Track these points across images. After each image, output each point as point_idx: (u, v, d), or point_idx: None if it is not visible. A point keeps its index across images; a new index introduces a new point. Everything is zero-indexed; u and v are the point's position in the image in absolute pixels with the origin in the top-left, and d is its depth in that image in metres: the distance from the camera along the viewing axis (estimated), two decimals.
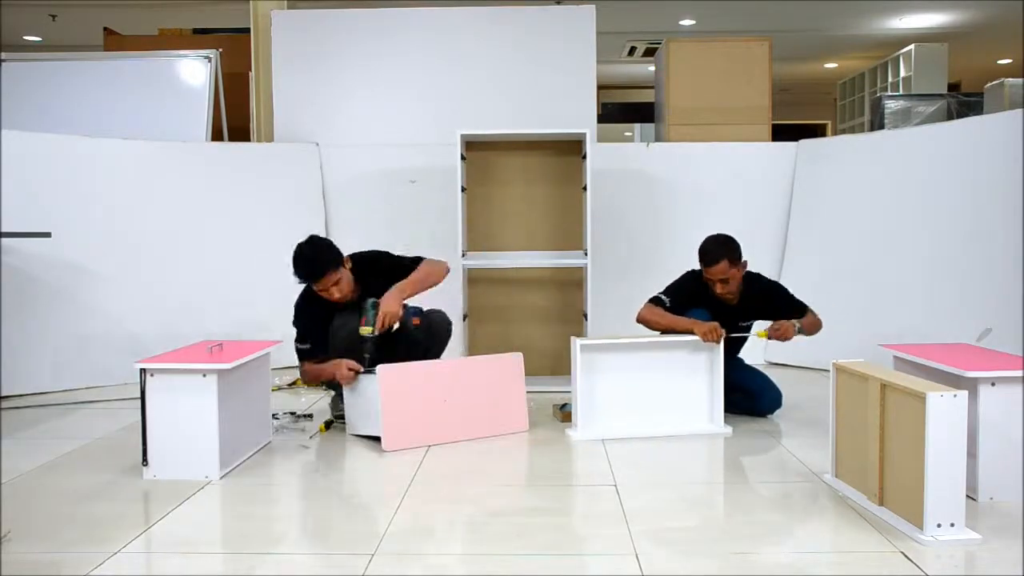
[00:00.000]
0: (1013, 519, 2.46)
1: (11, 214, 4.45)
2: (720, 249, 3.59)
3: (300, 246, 3.56)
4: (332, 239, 3.80)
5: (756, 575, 2.14)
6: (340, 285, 3.51)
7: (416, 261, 3.69)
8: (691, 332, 3.50)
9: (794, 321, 3.60)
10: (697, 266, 3.70)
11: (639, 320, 3.65)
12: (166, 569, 2.24)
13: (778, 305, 3.74)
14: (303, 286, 3.64)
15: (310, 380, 3.74)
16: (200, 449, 2.89)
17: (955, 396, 2.26)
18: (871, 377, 2.53)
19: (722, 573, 2.15)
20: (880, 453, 2.49)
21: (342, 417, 3.61)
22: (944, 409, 2.25)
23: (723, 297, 3.65)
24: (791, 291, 3.81)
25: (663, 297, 3.69)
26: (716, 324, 3.49)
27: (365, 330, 3.42)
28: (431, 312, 3.80)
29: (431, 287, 3.64)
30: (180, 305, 4.91)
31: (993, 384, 2.58)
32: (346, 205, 5.53)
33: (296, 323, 3.67)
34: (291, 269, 3.53)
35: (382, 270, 3.63)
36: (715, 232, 3.72)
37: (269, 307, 5.11)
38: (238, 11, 6.75)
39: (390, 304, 3.43)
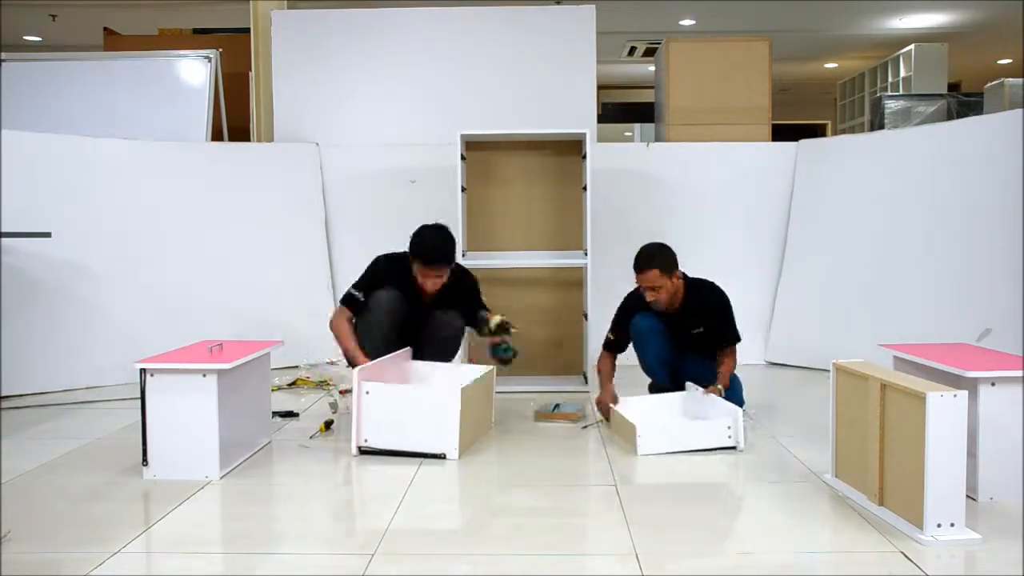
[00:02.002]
0: (1013, 519, 2.46)
1: (11, 214, 4.45)
2: (652, 257, 3.60)
3: (436, 228, 3.65)
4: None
5: (756, 575, 2.14)
6: (441, 280, 3.61)
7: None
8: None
9: (719, 387, 3.51)
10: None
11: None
12: (166, 569, 2.24)
13: (712, 323, 3.68)
14: (393, 253, 3.74)
15: (336, 332, 3.63)
16: (200, 449, 2.89)
17: (955, 396, 2.26)
18: (871, 377, 2.52)
19: (722, 573, 2.15)
20: (880, 453, 2.48)
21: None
22: (944, 409, 2.25)
23: (654, 305, 3.64)
24: (731, 314, 3.71)
25: (610, 336, 3.85)
26: (604, 401, 3.65)
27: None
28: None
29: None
30: (180, 305, 4.91)
31: (993, 384, 2.58)
32: (346, 205, 5.53)
33: (367, 272, 3.71)
34: (415, 241, 3.62)
35: (463, 297, 3.76)
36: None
37: (269, 307, 5.12)
38: (238, 11, 6.75)
39: None
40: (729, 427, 3.21)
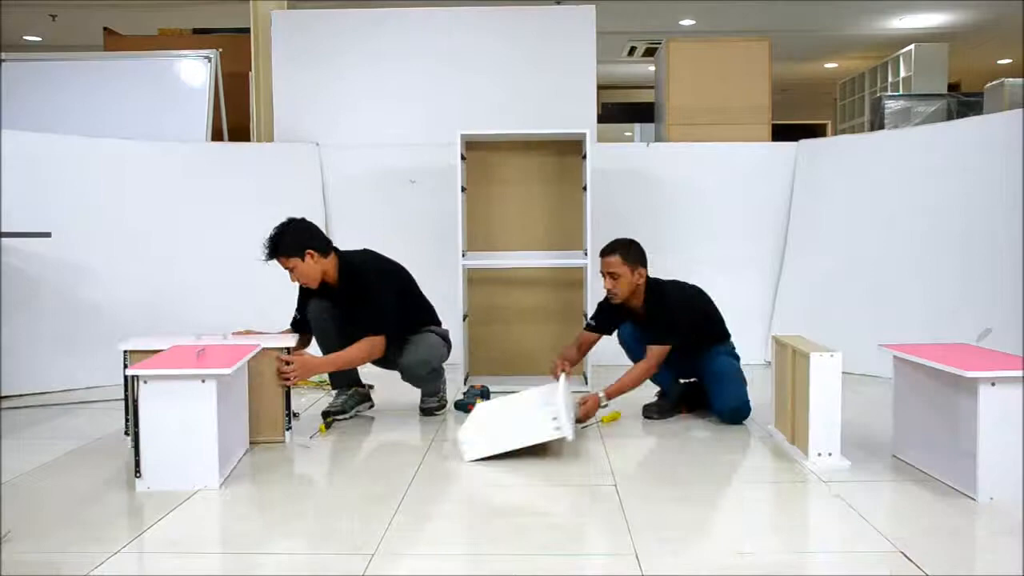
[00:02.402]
0: (1013, 519, 2.46)
1: (11, 214, 4.45)
2: (617, 244, 3.65)
3: (280, 223, 3.64)
4: (332, 239, 3.81)
5: (756, 575, 2.14)
6: (297, 272, 3.59)
7: (382, 322, 3.60)
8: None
9: (599, 394, 3.58)
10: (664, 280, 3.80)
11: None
12: (166, 569, 2.24)
13: (652, 323, 3.67)
14: None
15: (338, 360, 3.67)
16: (199, 455, 2.80)
17: (832, 356, 2.93)
18: (788, 344, 3.21)
19: (722, 573, 2.15)
20: (792, 402, 3.15)
21: (339, 412, 3.73)
22: (823, 365, 2.93)
23: (611, 296, 3.66)
24: (677, 317, 3.64)
25: (591, 321, 3.90)
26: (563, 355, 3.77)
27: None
28: (429, 333, 3.82)
29: (346, 368, 3.70)
30: (180, 305, 4.91)
31: (993, 384, 2.58)
32: (346, 205, 5.53)
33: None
34: None
35: (362, 296, 3.60)
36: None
37: (270, 307, 5.11)
38: (238, 11, 6.75)
39: (303, 371, 3.46)
40: (555, 418, 3.16)
